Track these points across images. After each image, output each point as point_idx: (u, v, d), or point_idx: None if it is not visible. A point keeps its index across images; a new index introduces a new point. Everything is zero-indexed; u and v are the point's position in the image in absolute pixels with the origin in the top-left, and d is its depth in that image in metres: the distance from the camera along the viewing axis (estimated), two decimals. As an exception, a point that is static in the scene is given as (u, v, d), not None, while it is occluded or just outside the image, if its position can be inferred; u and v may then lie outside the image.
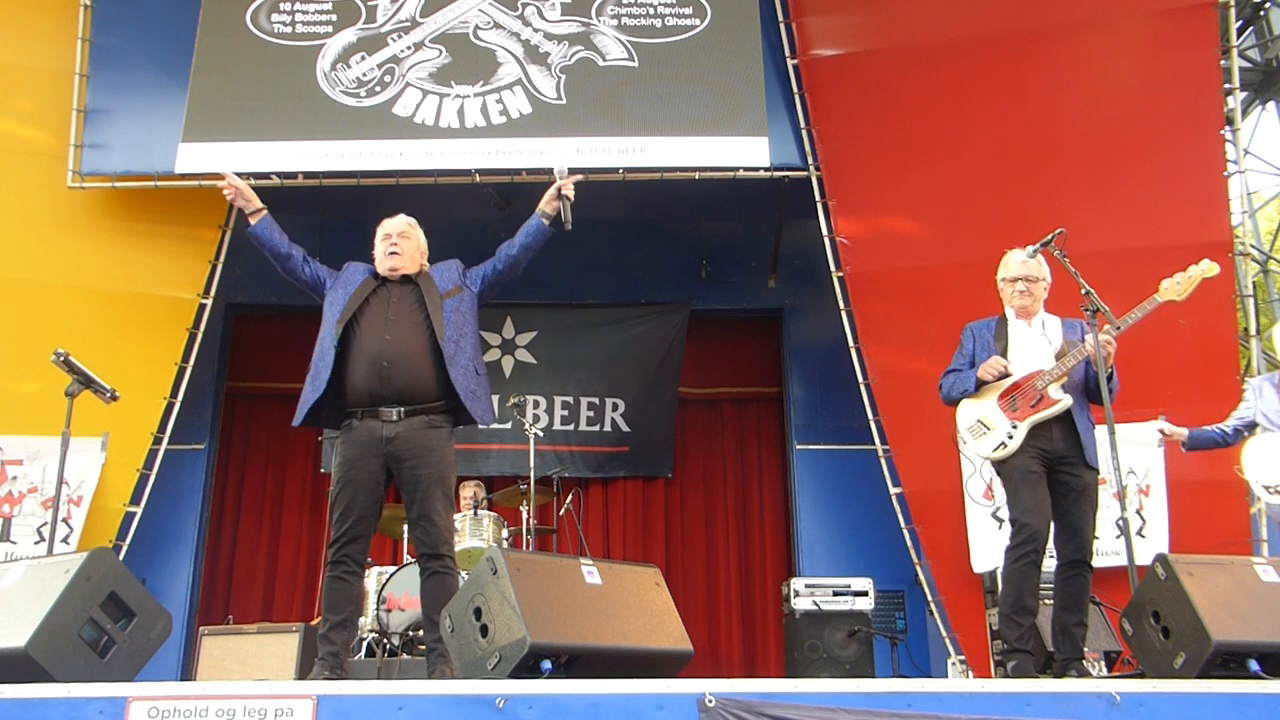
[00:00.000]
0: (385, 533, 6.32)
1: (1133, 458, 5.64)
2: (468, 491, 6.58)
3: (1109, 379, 3.81)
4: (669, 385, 8.02)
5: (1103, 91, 6.32)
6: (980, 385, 3.94)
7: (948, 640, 6.03)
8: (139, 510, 6.42)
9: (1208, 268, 3.92)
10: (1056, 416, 3.83)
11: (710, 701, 2.60)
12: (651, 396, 8.03)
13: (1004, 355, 3.96)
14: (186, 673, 6.40)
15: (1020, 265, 4.05)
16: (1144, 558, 3.80)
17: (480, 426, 3.92)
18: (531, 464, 6.37)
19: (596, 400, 8.06)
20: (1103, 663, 5.04)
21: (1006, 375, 3.89)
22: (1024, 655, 3.67)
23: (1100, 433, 3.84)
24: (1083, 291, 3.84)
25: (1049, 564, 3.86)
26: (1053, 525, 3.84)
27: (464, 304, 3.90)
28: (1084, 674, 3.68)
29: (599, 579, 3.21)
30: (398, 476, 3.75)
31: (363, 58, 6.72)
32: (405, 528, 5.99)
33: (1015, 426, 3.84)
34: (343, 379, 3.75)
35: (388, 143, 6.53)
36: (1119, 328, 3.83)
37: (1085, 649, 3.81)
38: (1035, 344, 3.98)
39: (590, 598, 3.14)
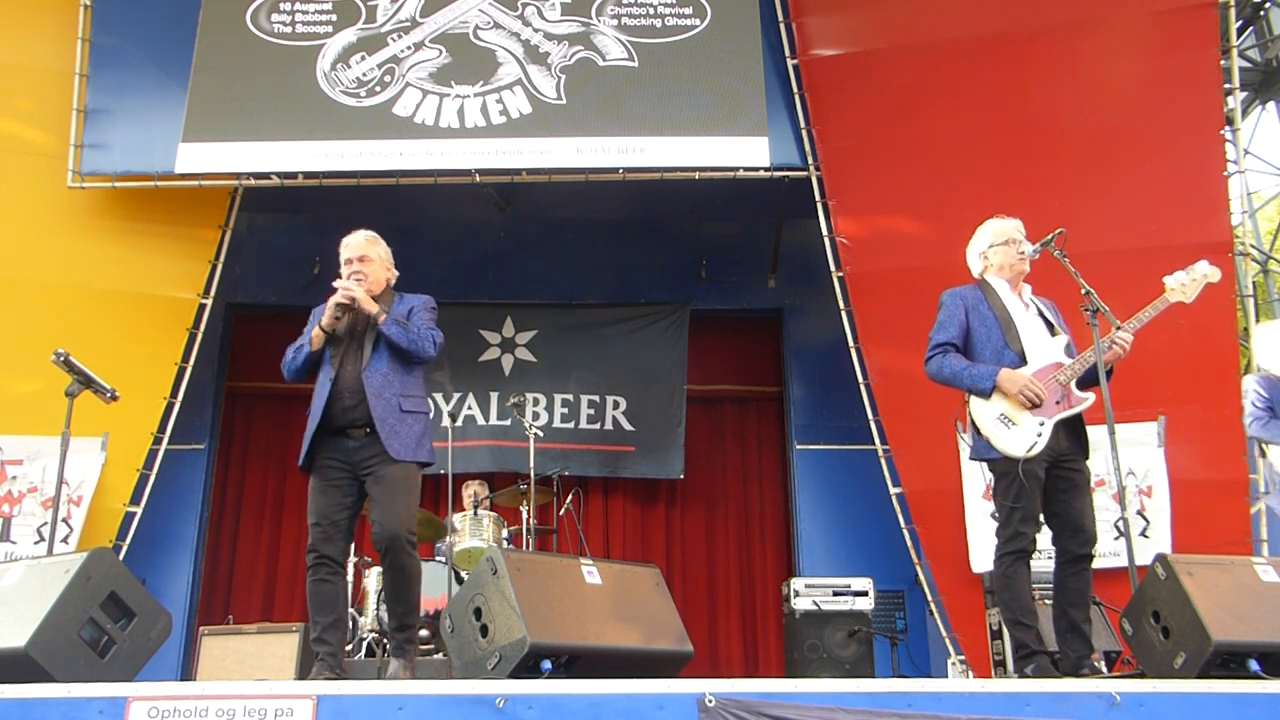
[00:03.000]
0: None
1: (1132, 458, 5.64)
2: (469, 491, 6.58)
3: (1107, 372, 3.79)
4: (675, 387, 8.00)
5: (1103, 91, 6.32)
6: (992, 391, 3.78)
7: (948, 640, 6.03)
8: (139, 510, 6.42)
9: (1211, 272, 3.87)
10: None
11: (710, 701, 2.60)
12: (655, 397, 8.01)
13: (1010, 333, 3.84)
14: (186, 673, 6.40)
15: (1015, 228, 3.98)
16: (1147, 559, 3.78)
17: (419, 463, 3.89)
18: (531, 463, 6.37)
19: (596, 398, 8.06)
20: (1103, 663, 5.03)
21: (1039, 404, 3.71)
22: (1042, 656, 3.63)
23: (1099, 432, 3.81)
24: (1083, 291, 3.81)
25: (1042, 564, 3.83)
26: (1052, 522, 3.81)
27: (400, 338, 3.87)
28: (1096, 671, 3.64)
29: (599, 579, 3.21)
30: (363, 484, 3.82)
31: (363, 58, 6.73)
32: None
33: (1043, 424, 3.71)
34: (325, 409, 3.84)
35: (388, 143, 6.53)
36: (1134, 327, 3.79)
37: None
38: (1037, 326, 3.89)
39: (590, 598, 3.14)
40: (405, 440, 3.78)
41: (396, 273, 4.15)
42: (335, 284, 3.91)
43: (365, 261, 3.97)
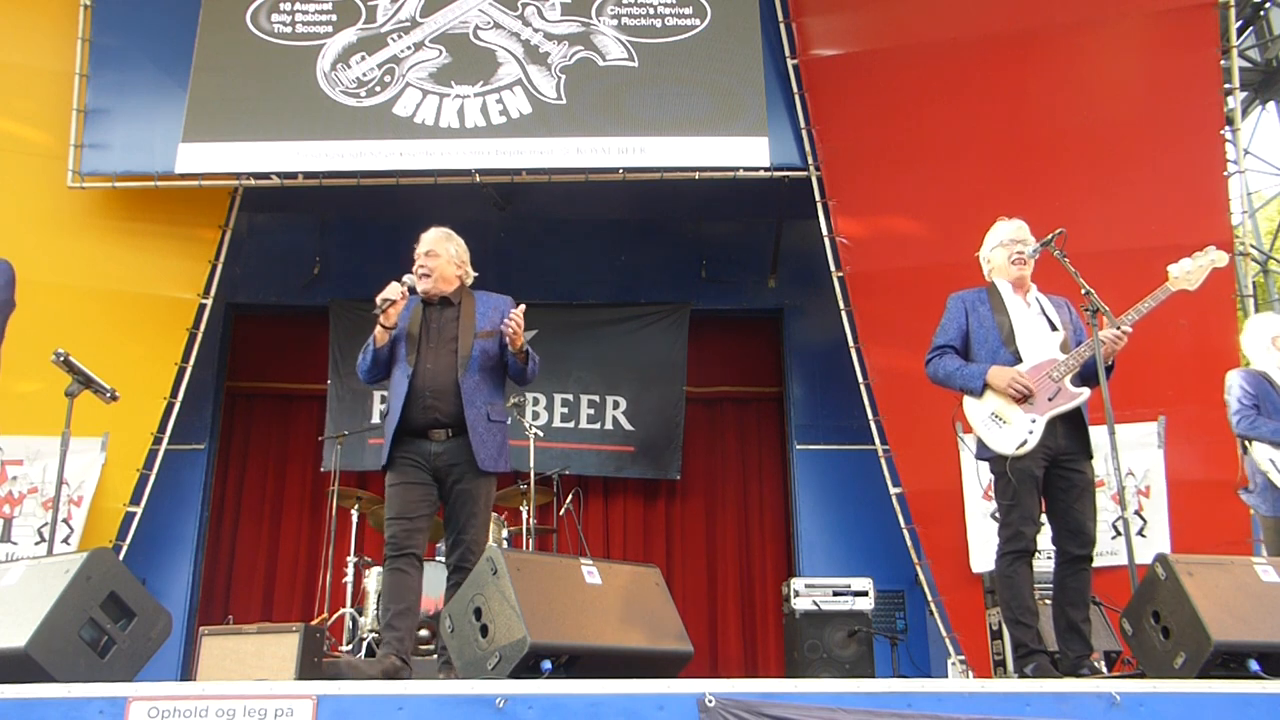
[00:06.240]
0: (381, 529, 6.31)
1: (1131, 459, 5.64)
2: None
3: (1108, 368, 3.79)
4: (674, 388, 7.99)
5: (1103, 91, 6.32)
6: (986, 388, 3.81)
7: (948, 640, 6.03)
8: (139, 510, 6.42)
9: (1217, 257, 3.87)
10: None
11: (710, 701, 2.60)
12: (654, 398, 8.01)
13: (1006, 333, 3.85)
14: (186, 673, 6.40)
15: (1017, 229, 4.00)
16: (1145, 558, 3.78)
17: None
18: (532, 463, 6.37)
19: (596, 398, 8.06)
20: (1103, 663, 5.03)
21: (1029, 397, 3.71)
22: (1041, 656, 3.64)
23: (1099, 433, 3.80)
24: (1083, 291, 3.81)
25: (1042, 564, 3.83)
26: (1052, 521, 3.81)
27: (493, 348, 3.99)
28: (1096, 671, 3.64)
29: (599, 579, 3.21)
30: (443, 489, 3.88)
31: (363, 58, 6.72)
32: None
33: (1034, 421, 3.71)
34: (403, 408, 3.87)
35: (388, 143, 6.53)
36: (1133, 318, 3.79)
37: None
38: (1037, 325, 3.89)
39: (590, 598, 3.14)
40: (490, 450, 3.84)
41: (474, 273, 4.17)
42: (403, 278, 3.97)
43: (431, 256, 4.02)
